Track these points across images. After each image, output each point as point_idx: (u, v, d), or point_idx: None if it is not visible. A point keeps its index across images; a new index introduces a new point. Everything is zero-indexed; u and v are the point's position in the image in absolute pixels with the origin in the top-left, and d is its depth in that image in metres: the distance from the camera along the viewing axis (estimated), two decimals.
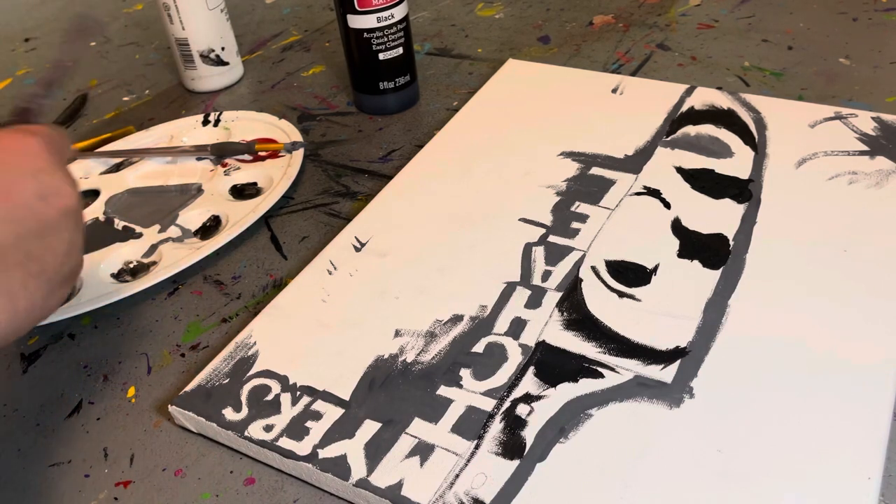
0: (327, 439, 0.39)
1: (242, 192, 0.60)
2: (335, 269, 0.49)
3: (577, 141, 0.58)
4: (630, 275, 0.46)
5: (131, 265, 0.54)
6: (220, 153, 0.62)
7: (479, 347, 0.43)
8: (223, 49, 0.73)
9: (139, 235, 0.56)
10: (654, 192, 0.52)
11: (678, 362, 0.40)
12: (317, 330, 0.45)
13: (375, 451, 0.38)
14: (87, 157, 0.64)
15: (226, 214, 0.57)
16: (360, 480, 0.37)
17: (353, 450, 0.38)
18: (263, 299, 0.50)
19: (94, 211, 0.59)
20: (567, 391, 0.40)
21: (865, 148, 0.53)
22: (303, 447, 0.38)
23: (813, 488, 0.34)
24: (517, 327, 0.44)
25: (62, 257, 0.34)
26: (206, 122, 0.67)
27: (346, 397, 0.41)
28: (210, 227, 0.56)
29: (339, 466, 0.37)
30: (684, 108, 0.60)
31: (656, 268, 0.46)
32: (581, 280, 0.46)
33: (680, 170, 0.54)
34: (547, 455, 0.37)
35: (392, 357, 0.43)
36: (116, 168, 0.64)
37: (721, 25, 0.74)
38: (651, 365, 0.40)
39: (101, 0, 0.99)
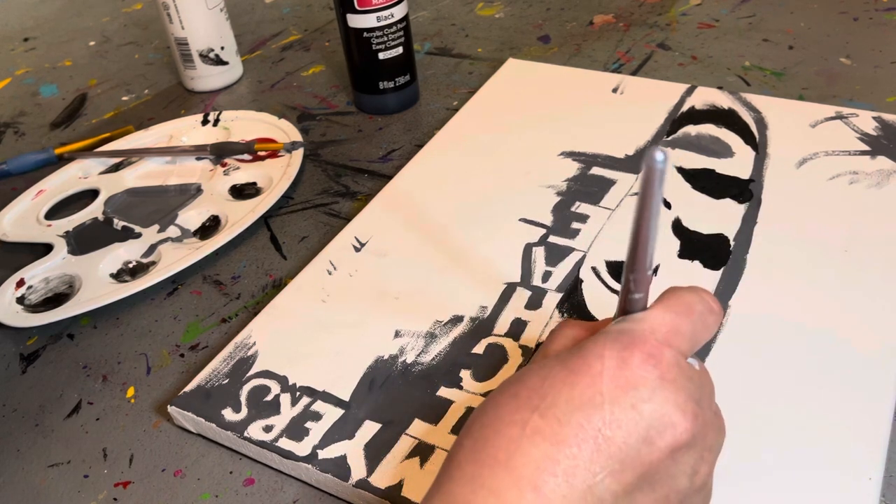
0: (327, 440, 0.39)
1: (242, 191, 0.60)
2: (335, 269, 0.49)
3: (578, 141, 0.58)
4: None
5: (131, 265, 0.54)
6: (220, 153, 0.62)
7: (479, 348, 0.43)
8: (223, 48, 0.73)
9: (138, 235, 0.55)
10: None
11: None
12: (316, 330, 0.45)
13: (375, 452, 0.38)
14: (86, 156, 0.64)
15: (225, 214, 0.57)
16: (359, 481, 0.36)
17: (352, 450, 0.38)
18: (263, 299, 0.50)
19: (94, 211, 0.59)
20: None
21: (866, 148, 0.53)
22: (302, 448, 0.38)
23: (813, 488, 0.34)
24: (517, 328, 0.43)
25: (681, 500, 0.28)
26: (205, 122, 0.67)
27: (346, 398, 0.41)
28: (209, 227, 0.56)
29: (339, 467, 0.37)
30: (685, 107, 0.60)
31: (656, 268, 0.46)
32: (581, 281, 0.46)
33: (681, 170, 0.54)
34: None
35: (392, 358, 0.43)
36: (116, 168, 0.64)
37: (721, 25, 0.74)
38: None
39: (101, 0, 1.00)
